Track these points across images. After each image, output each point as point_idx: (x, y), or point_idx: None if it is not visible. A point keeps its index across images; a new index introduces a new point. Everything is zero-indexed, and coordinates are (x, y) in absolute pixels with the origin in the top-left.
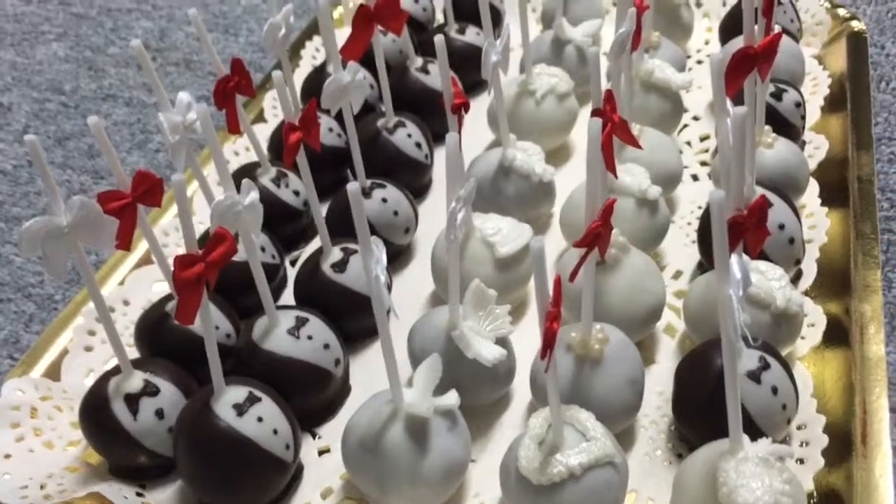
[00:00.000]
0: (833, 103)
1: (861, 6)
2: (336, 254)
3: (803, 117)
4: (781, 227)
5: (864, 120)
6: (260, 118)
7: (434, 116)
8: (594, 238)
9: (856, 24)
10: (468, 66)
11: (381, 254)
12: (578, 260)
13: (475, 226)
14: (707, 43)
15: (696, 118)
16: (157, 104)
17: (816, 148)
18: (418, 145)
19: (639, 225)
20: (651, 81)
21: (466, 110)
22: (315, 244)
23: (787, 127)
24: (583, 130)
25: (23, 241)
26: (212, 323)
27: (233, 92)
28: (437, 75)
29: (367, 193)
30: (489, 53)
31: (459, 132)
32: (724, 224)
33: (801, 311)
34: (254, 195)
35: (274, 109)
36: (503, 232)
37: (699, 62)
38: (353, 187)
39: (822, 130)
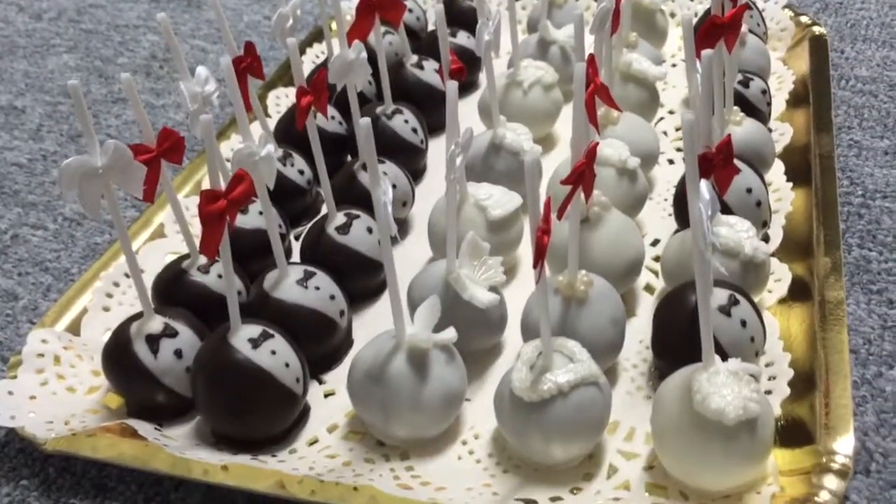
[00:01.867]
0: (797, 100)
1: (822, 18)
2: (340, 218)
3: (769, 104)
4: (749, 190)
5: (825, 110)
6: (265, 113)
7: (429, 108)
8: (579, 176)
9: (817, 29)
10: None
11: (387, 186)
12: (566, 197)
13: (469, 192)
14: (680, 49)
15: (671, 112)
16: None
17: (781, 134)
18: (414, 130)
19: (619, 192)
20: (630, 73)
21: (463, 76)
22: None
23: (754, 112)
24: (567, 122)
25: (62, 178)
26: (230, 257)
27: (245, 72)
28: (431, 71)
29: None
30: (482, 32)
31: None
32: (695, 149)
33: (767, 261)
34: (269, 147)
35: (277, 106)
36: (495, 197)
37: (674, 65)
38: (364, 121)
39: (786, 121)
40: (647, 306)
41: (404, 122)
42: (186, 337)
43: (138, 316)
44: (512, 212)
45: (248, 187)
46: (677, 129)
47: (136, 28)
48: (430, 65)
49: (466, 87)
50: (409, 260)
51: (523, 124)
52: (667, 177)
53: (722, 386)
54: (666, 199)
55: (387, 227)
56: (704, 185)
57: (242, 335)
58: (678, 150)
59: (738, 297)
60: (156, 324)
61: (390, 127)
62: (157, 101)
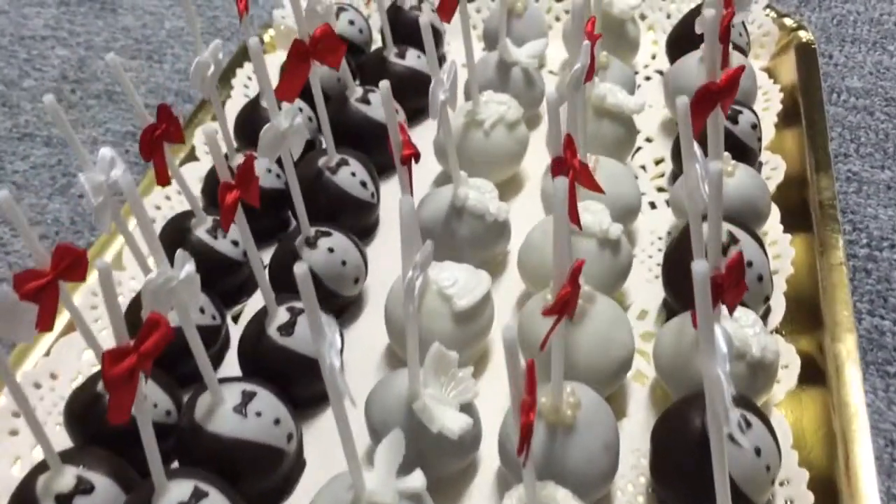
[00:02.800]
0: (787, 117)
1: (805, 13)
2: (282, 315)
3: (760, 139)
4: (749, 264)
5: (821, 139)
6: (191, 156)
7: (377, 149)
8: (564, 305)
9: (804, 35)
10: (411, 93)
11: (334, 335)
12: (548, 330)
13: (430, 277)
14: (654, 57)
15: (648, 140)
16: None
17: (774, 169)
18: (363, 184)
19: (601, 267)
20: (604, 107)
21: (417, 160)
22: (259, 297)
23: (744, 150)
24: (532, 158)
25: None
26: (149, 421)
27: (160, 140)
28: (378, 106)
29: (311, 243)
30: (436, 93)
31: (410, 184)
32: (709, 300)
33: (776, 359)
34: (189, 268)
35: (207, 146)
36: (460, 282)
37: (647, 78)
38: (300, 270)
39: (777, 149)
40: (639, 402)
41: (351, 176)
42: (104, 492)
43: (44, 467)
44: (480, 299)
45: (165, 335)
46: (657, 163)
47: (44, 40)
48: (377, 98)
49: (420, 116)
50: (364, 346)
51: (485, 168)
52: (649, 226)
53: None
54: (651, 257)
55: (337, 393)
56: (720, 335)
57: (168, 501)
58: (660, 189)
59: (749, 416)
60: (66, 479)
61: (335, 184)
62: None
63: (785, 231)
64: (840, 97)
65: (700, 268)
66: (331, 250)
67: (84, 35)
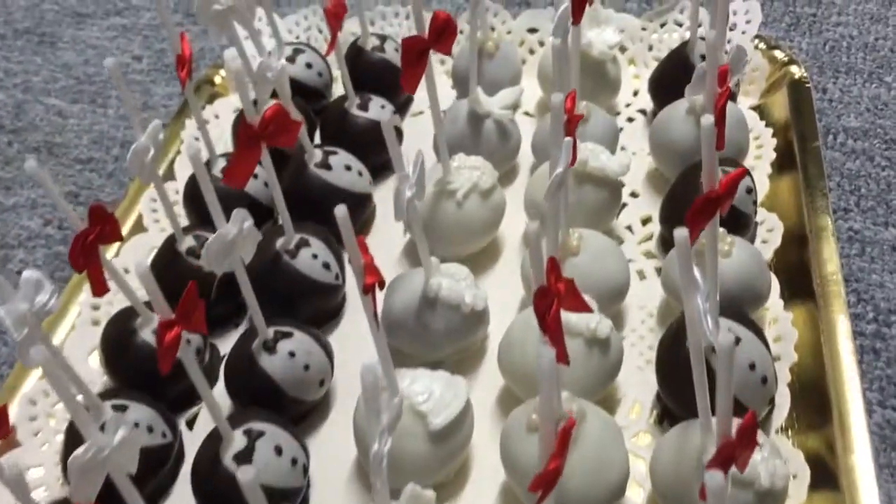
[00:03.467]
0: (781, 164)
1: (795, 38)
2: (239, 441)
3: (755, 202)
4: (752, 366)
5: (820, 199)
6: (139, 226)
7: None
8: (549, 483)
9: (796, 71)
10: (375, 147)
11: None
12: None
13: (402, 392)
14: (636, 94)
15: (634, 194)
16: None
17: (770, 230)
18: (326, 266)
19: (590, 369)
20: (586, 172)
21: (381, 287)
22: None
23: (740, 219)
24: (509, 219)
25: None
26: None
27: (94, 246)
28: (339, 170)
29: (270, 347)
30: (402, 191)
31: (376, 316)
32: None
33: (786, 482)
34: (122, 433)
35: (154, 213)
36: (435, 396)
37: (630, 119)
38: (245, 478)
39: (773, 203)
40: None
41: (312, 258)
42: None
43: None
44: (458, 414)
45: None
46: (644, 223)
47: None
48: (340, 159)
49: (386, 171)
50: (330, 459)
51: (458, 241)
52: (638, 300)
53: None
54: (642, 338)
55: None
56: None
57: None
58: (648, 255)
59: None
60: None
61: (295, 269)
62: (7, 200)
63: (786, 301)
64: (837, 139)
65: (715, 485)
66: (292, 354)
67: (21, 75)
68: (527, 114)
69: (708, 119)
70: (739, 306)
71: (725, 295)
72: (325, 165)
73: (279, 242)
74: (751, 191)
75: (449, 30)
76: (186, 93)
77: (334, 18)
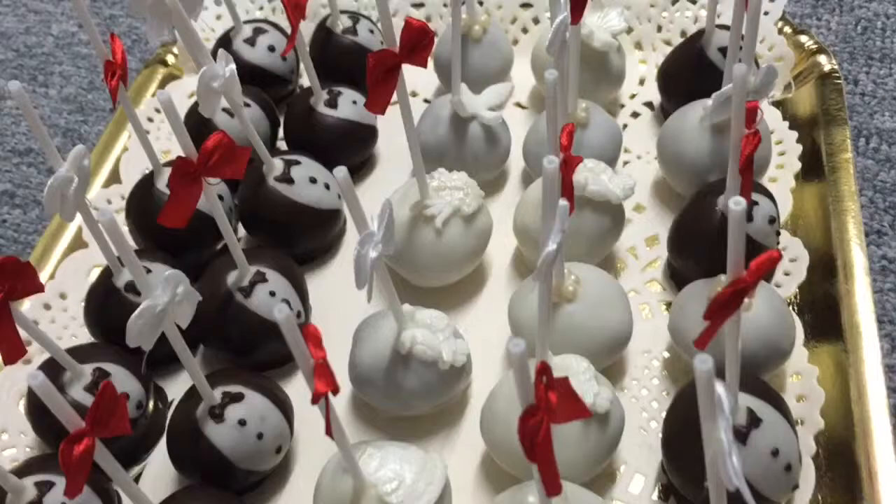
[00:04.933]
0: (806, 171)
1: (823, 17)
2: None
3: (779, 232)
4: (775, 453)
5: (851, 222)
6: (78, 241)
7: (306, 236)
8: None
9: (824, 62)
10: (346, 148)
11: None
12: None
13: (366, 479)
14: (642, 83)
15: (638, 208)
16: None
17: (794, 261)
18: (286, 303)
19: (587, 447)
20: (584, 197)
21: (335, 394)
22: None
23: (760, 251)
24: (497, 241)
25: None
26: None
27: (4, 306)
28: (303, 184)
29: (217, 415)
30: (364, 256)
31: (329, 428)
32: None
33: None
34: None
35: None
36: (406, 484)
37: (635, 115)
38: None
39: (796, 223)
40: None
41: (270, 296)
42: None
43: None
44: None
45: None
46: (649, 245)
47: None
48: (304, 171)
49: (358, 170)
50: None
51: (437, 272)
52: (641, 343)
53: None
54: (646, 391)
55: None
56: None
57: None
58: (653, 284)
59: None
60: None
61: (249, 311)
62: None
63: (811, 344)
64: (869, 144)
65: None
66: (242, 423)
67: None
68: (518, 105)
69: (738, 204)
70: (760, 368)
71: (744, 354)
72: (287, 179)
73: (231, 278)
74: (773, 220)
75: (425, 41)
76: (120, 102)
77: (295, 9)
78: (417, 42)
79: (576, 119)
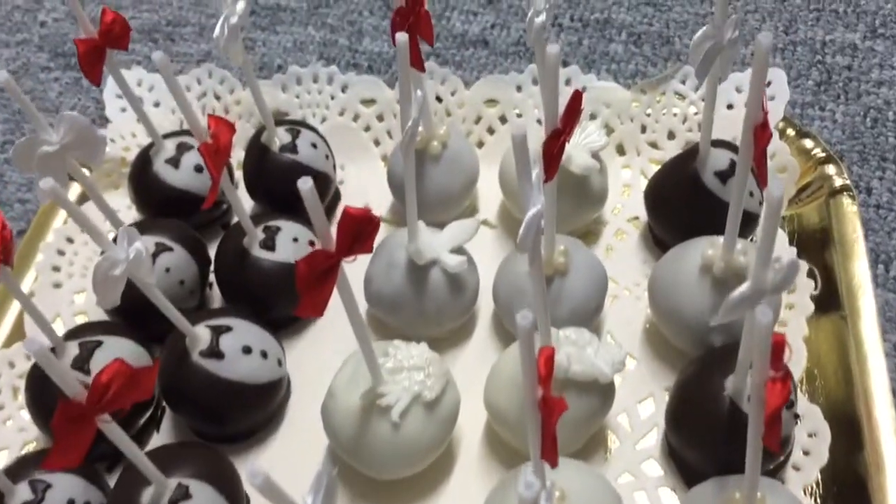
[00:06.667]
0: (819, 307)
1: (828, 106)
2: None
3: (797, 416)
4: None
5: (880, 387)
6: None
7: (238, 413)
8: None
9: (835, 175)
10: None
11: None
12: None
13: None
14: (626, 192)
15: (628, 358)
16: None
17: (812, 436)
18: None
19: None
20: (568, 379)
21: None
22: None
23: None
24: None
25: None
26: None
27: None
28: (235, 356)
29: None
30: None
31: None
32: None
33: None
34: None
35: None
36: None
37: (620, 234)
38: None
39: (811, 380)
40: None
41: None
42: None
43: None
44: None
45: None
46: (642, 400)
47: None
48: (233, 340)
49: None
50: None
51: (391, 466)
52: None
53: None
54: None
55: None
56: None
57: None
58: (649, 463)
59: None
60: None
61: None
62: None
63: None
64: (889, 272)
65: None
66: None
67: None
68: (486, 223)
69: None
70: None
71: None
72: (214, 354)
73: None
74: (792, 405)
75: (368, 229)
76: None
77: (215, 156)
78: (359, 233)
79: (554, 267)
